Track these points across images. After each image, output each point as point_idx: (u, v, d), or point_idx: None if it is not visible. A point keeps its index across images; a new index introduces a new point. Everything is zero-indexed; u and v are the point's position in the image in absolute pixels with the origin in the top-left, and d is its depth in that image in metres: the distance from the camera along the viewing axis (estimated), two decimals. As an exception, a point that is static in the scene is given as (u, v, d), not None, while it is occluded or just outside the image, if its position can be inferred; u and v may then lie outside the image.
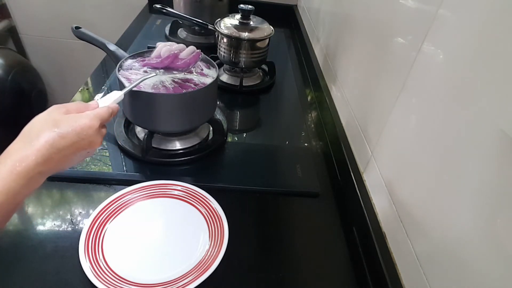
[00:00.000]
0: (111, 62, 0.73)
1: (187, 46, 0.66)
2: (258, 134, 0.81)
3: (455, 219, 0.35)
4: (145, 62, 0.64)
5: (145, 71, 0.63)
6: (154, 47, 0.65)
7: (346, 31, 0.79)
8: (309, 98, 0.96)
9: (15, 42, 1.56)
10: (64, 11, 1.48)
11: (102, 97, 0.48)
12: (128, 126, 0.72)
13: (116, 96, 0.48)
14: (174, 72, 0.64)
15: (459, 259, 0.34)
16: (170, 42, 0.65)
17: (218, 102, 0.79)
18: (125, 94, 0.50)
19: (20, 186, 0.34)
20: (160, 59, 0.63)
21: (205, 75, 0.66)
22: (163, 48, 0.63)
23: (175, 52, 0.63)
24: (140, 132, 0.70)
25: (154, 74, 0.61)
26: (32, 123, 0.38)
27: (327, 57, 0.92)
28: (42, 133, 0.36)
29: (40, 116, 0.38)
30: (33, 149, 0.35)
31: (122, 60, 0.64)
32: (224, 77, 0.96)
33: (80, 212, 0.55)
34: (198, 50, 0.66)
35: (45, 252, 0.48)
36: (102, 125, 0.43)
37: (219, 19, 0.90)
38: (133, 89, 0.57)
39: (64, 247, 0.49)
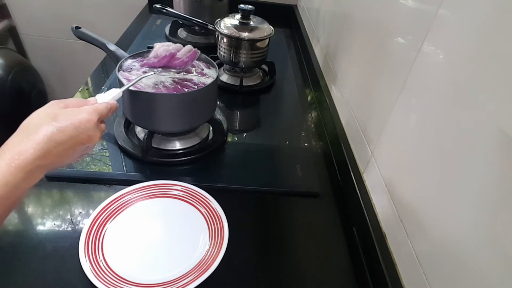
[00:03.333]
0: (111, 62, 0.73)
1: (185, 46, 0.66)
2: (258, 134, 0.81)
3: (455, 219, 0.35)
4: (143, 62, 0.65)
5: (145, 71, 0.63)
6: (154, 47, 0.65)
7: (346, 31, 0.79)
8: (309, 98, 0.96)
9: (15, 42, 1.56)
10: (64, 11, 1.48)
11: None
12: (128, 126, 0.72)
13: (115, 93, 0.48)
14: (172, 70, 0.64)
15: (459, 259, 0.34)
16: (167, 43, 0.66)
17: (218, 102, 0.79)
18: (123, 92, 0.50)
19: (19, 179, 0.34)
20: (157, 59, 0.63)
21: (205, 75, 0.66)
22: (160, 48, 0.64)
23: (172, 51, 0.64)
24: (140, 132, 0.70)
25: (153, 72, 0.61)
26: (31, 117, 0.38)
27: (327, 57, 0.92)
28: (40, 127, 0.36)
29: (39, 111, 0.39)
30: (32, 143, 0.35)
31: (122, 60, 0.64)
32: (224, 77, 0.96)
33: (80, 212, 0.55)
34: (195, 49, 0.66)
35: (45, 252, 0.48)
36: (101, 121, 0.43)
37: (219, 19, 0.90)
38: (133, 89, 0.57)
39: (64, 247, 0.49)
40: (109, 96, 0.47)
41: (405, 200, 0.46)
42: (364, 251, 0.52)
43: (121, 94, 0.49)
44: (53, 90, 1.72)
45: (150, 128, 0.65)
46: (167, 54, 0.63)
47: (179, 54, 0.64)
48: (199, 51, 0.68)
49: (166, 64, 0.64)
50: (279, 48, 1.23)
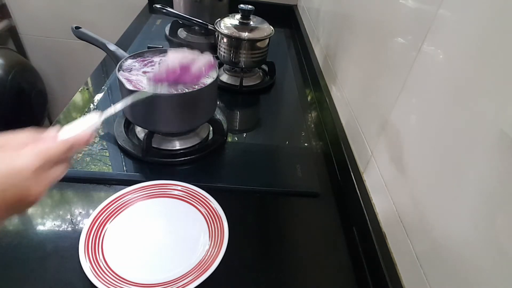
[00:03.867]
0: (111, 62, 0.73)
1: (188, 48, 0.55)
2: (258, 134, 0.81)
3: (455, 219, 0.35)
4: (149, 74, 0.57)
5: (144, 72, 0.63)
6: (154, 47, 0.65)
7: (346, 31, 0.79)
8: (309, 98, 0.96)
9: (15, 42, 1.56)
10: (64, 11, 1.48)
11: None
12: (128, 126, 0.72)
13: (90, 122, 0.36)
14: (179, 87, 0.55)
15: (459, 259, 0.34)
16: (183, 50, 0.52)
17: (218, 102, 0.79)
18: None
19: None
20: (166, 73, 0.50)
21: (205, 75, 0.66)
22: (174, 59, 0.50)
23: (186, 65, 0.50)
24: (140, 132, 0.70)
25: (141, 95, 0.48)
26: None
27: (327, 57, 0.92)
28: None
29: None
30: None
31: (122, 60, 0.64)
32: (224, 77, 0.96)
33: (80, 212, 0.55)
34: (214, 60, 0.54)
35: (45, 252, 0.48)
36: (54, 164, 0.31)
37: (219, 19, 0.90)
38: (133, 89, 0.57)
39: (64, 247, 0.49)
40: (80, 128, 0.35)
41: (405, 200, 0.46)
42: (364, 251, 0.52)
43: (100, 122, 0.37)
44: (53, 90, 1.72)
45: (150, 128, 0.65)
46: (178, 68, 0.50)
47: (194, 68, 0.51)
48: (217, 61, 0.58)
49: (176, 80, 0.51)
50: (279, 48, 1.23)
